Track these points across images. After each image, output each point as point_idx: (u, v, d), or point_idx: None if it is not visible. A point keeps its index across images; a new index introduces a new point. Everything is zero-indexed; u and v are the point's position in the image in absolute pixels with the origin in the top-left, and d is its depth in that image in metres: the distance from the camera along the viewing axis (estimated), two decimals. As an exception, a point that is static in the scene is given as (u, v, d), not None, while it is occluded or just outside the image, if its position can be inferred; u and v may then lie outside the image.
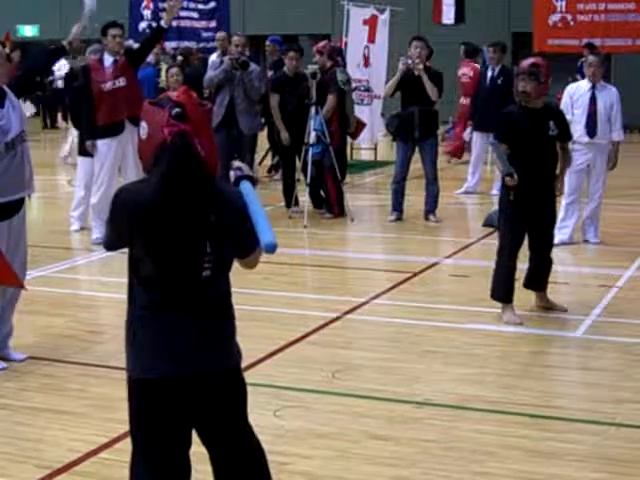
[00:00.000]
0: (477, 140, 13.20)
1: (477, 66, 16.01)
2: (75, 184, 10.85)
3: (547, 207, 6.94)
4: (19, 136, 5.65)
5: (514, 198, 6.66)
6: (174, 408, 3.25)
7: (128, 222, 3.14)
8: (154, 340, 3.21)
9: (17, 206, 5.76)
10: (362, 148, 16.05)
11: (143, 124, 3.15)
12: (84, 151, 9.89)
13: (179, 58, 13.56)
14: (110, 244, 3.34)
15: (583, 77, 12.51)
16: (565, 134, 7.01)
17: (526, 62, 6.81)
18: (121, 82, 9.44)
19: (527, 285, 7.18)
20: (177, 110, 3.08)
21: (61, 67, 24.31)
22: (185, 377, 3.22)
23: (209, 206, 3.13)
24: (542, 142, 6.78)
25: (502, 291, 6.89)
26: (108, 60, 9.50)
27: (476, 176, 13.20)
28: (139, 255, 3.18)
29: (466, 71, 15.79)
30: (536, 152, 6.74)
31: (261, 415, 4.91)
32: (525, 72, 6.69)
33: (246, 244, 3.26)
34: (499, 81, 12.98)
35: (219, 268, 3.22)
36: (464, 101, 15.61)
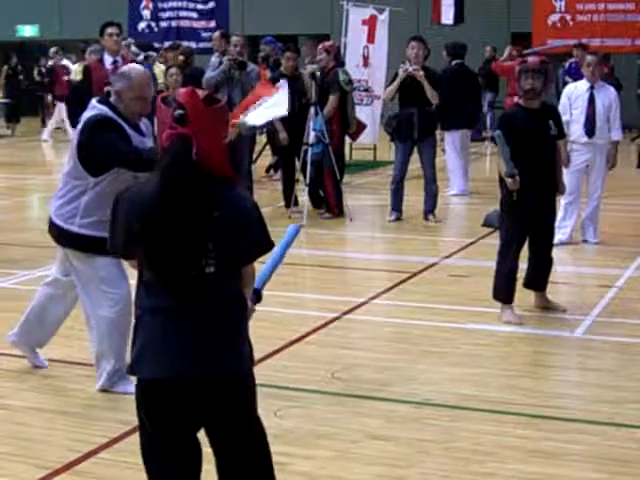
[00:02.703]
0: (449, 140, 13.09)
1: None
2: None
3: (548, 207, 6.97)
4: None
5: (517, 198, 6.63)
6: (173, 409, 3.22)
7: (127, 222, 3.13)
8: (154, 341, 3.18)
9: None
10: (362, 148, 16.06)
11: (156, 120, 3.23)
12: None
13: (180, 58, 13.55)
14: (114, 247, 3.29)
15: (572, 79, 12.54)
16: (561, 132, 7.07)
17: (534, 59, 6.83)
18: None
19: (527, 285, 7.17)
20: (178, 112, 3.06)
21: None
22: (186, 379, 3.18)
23: (210, 205, 3.09)
24: (545, 142, 6.81)
25: (505, 292, 6.86)
26: (108, 60, 9.50)
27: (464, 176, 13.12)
28: (141, 258, 3.17)
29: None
30: (539, 153, 6.75)
31: (261, 415, 4.91)
32: (535, 69, 6.66)
33: (251, 248, 3.22)
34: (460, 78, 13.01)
35: (223, 268, 3.15)
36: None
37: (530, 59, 6.86)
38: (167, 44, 13.53)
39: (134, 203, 3.13)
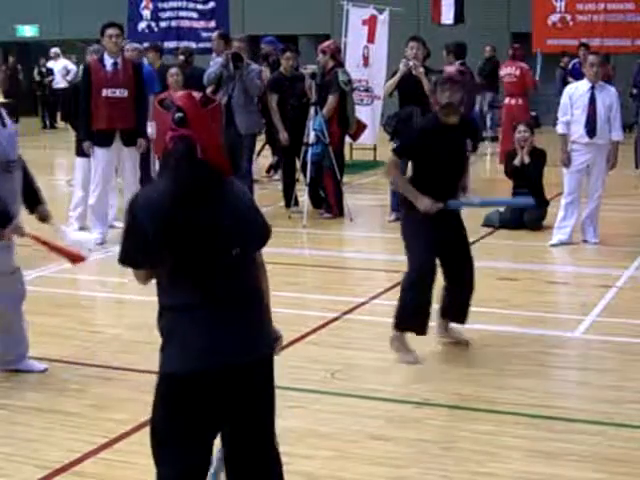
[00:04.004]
0: None
1: (524, 65, 16.07)
2: (73, 184, 10.84)
3: (458, 230, 6.24)
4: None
5: (423, 223, 5.90)
6: (213, 401, 3.27)
7: (145, 229, 3.16)
8: (196, 335, 3.23)
9: None
10: (362, 148, 16.05)
11: (153, 124, 3.24)
12: (81, 152, 9.90)
13: (180, 58, 13.57)
14: (131, 257, 3.26)
15: (575, 79, 12.51)
16: (475, 148, 6.38)
17: (450, 70, 6.14)
18: (124, 93, 9.44)
19: (444, 316, 6.33)
20: (178, 115, 3.16)
21: (62, 69, 24.37)
22: (233, 367, 3.26)
23: (220, 197, 3.23)
24: (458, 163, 6.11)
25: (413, 322, 5.99)
26: (108, 61, 9.50)
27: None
28: (166, 259, 3.20)
29: (511, 70, 15.83)
30: (450, 174, 6.05)
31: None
32: (453, 81, 5.92)
33: (260, 233, 3.37)
34: None
35: (243, 254, 3.28)
36: (511, 101, 15.66)
37: (447, 69, 6.19)
38: (146, 44, 13.54)
39: (151, 208, 3.18)
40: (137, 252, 3.24)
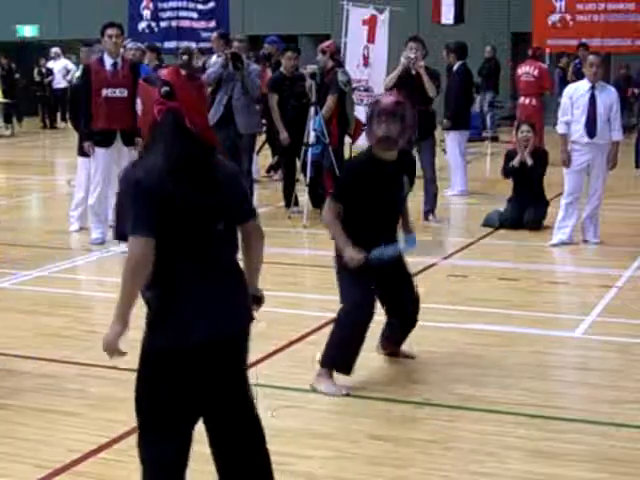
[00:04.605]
0: (455, 140, 13.02)
1: (543, 65, 15.98)
2: (74, 184, 10.84)
3: (398, 269, 5.76)
4: None
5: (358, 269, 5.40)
6: (205, 374, 3.37)
7: (155, 193, 3.22)
8: (195, 307, 3.31)
9: None
10: (362, 148, 16.03)
11: (138, 101, 3.38)
12: (83, 152, 9.91)
13: (184, 57, 13.58)
14: (145, 222, 3.22)
15: (577, 78, 12.50)
16: (411, 185, 5.71)
17: (387, 100, 5.50)
18: (124, 93, 9.44)
19: (383, 346, 6.06)
20: (165, 89, 3.26)
21: (62, 69, 24.37)
22: (235, 336, 3.43)
23: (212, 169, 3.34)
24: (394, 203, 5.63)
25: (344, 364, 5.53)
26: (108, 62, 9.50)
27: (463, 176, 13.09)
28: (165, 231, 3.26)
29: (529, 70, 15.76)
30: (387, 214, 5.61)
31: (261, 415, 4.91)
32: (388, 112, 5.35)
33: (250, 203, 3.53)
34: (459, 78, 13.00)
35: (231, 225, 3.43)
36: (525, 101, 15.59)
37: (384, 100, 5.53)
38: (146, 44, 13.56)
39: (149, 183, 3.22)
40: (150, 217, 3.22)
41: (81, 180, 10.31)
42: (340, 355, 5.50)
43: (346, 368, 5.50)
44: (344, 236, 5.41)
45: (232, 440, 3.53)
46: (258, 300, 3.63)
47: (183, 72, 3.34)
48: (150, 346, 3.34)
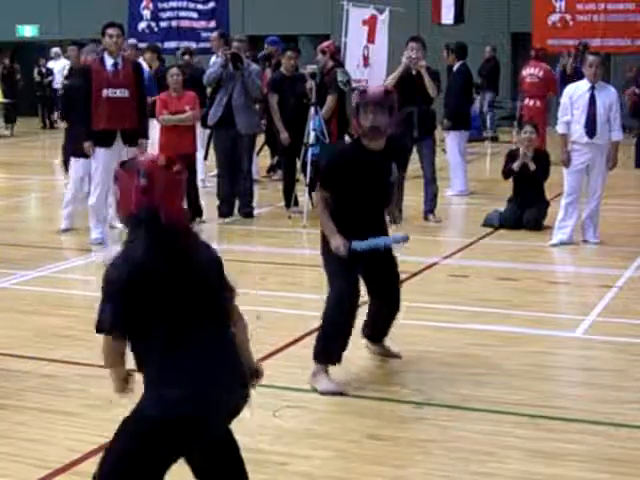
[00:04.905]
0: (455, 140, 13.01)
1: (547, 66, 15.93)
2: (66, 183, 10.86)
3: (383, 257, 5.68)
4: None
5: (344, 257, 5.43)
6: (192, 444, 3.37)
7: (127, 294, 3.31)
8: (195, 377, 3.32)
9: None
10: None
11: (116, 188, 3.43)
12: (77, 152, 9.92)
13: (185, 58, 13.58)
14: (116, 319, 3.39)
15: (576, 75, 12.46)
16: (404, 169, 5.75)
17: (374, 90, 5.52)
18: (125, 93, 9.44)
19: (366, 335, 6.01)
20: (143, 184, 3.32)
21: (62, 69, 24.36)
22: (238, 406, 3.42)
23: (191, 254, 3.40)
24: (381, 191, 5.57)
25: (334, 353, 5.54)
26: (109, 61, 9.49)
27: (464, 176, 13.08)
28: (149, 319, 3.32)
29: (534, 71, 15.72)
30: (373, 204, 5.59)
31: (261, 415, 4.91)
32: (376, 102, 5.35)
33: (229, 288, 3.50)
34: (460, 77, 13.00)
35: (217, 307, 3.45)
36: (530, 103, 15.56)
37: (371, 90, 5.53)
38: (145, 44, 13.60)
39: (132, 275, 3.31)
40: (116, 315, 3.38)
41: (72, 180, 10.31)
42: (331, 345, 5.52)
43: (338, 357, 5.53)
44: (331, 224, 5.44)
45: (214, 463, 3.57)
46: (256, 374, 3.59)
47: (161, 161, 3.40)
48: (144, 410, 3.35)
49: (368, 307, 5.86)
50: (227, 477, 3.56)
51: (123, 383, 3.57)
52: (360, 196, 5.46)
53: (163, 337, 3.33)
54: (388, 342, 6.07)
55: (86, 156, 9.74)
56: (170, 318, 3.32)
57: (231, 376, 3.38)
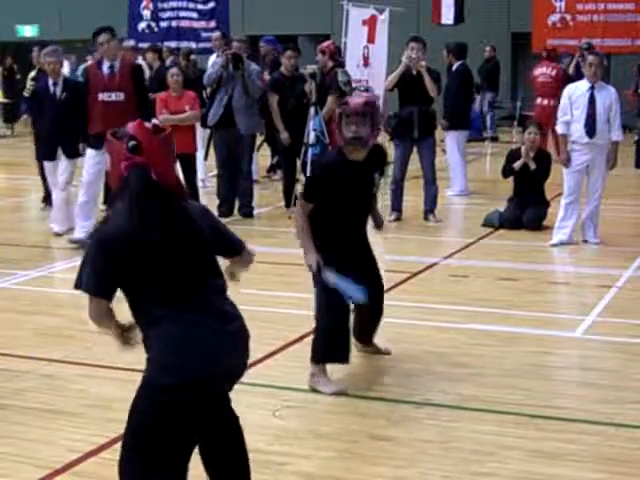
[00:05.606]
0: (454, 140, 12.98)
1: (559, 65, 15.90)
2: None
3: (364, 259, 5.80)
4: None
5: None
6: (208, 408, 3.39)
7: (116, 257, 3.30)
8: (195, 341, 3.32)
9: None
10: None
11: (107, 156, 3.46)
12: (47, 155, 9.91)
13: (185, 60, 13.60)
14: (98, 285, 3.37)
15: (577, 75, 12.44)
16: (382, 174, 5.73)
17: (356, 101, 5.48)
18: (120, 97, 9.38)
19: (356, 337, 5.96)
20: (132, 143, 3.33)
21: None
22: (238, 366, 3.48)
23: (184, 218, 3.40)
24: (363, 202, 5.65)
25: (336, 349, 5.55)
26: (105, 64, 9.46)
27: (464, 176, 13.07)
28: (141, 284, 3.34)
29: (546, 70, 15.68)
30: (355, 214, 5.65)
31: (261, 415, 4.92)
32: (358, 113, 5.36)
33: (233, 241, 3.60)
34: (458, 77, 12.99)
35: (215, 267, 3.49)
36: (543, 102, 15.53)
37: (352, 101, 5.51)
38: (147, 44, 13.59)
39: (116, 241, 3.30)
40: (103, 279, 3.35)
41: (54, 182, 10.26)
42: (329, 345, 5.50)
43: (342, 356, 5.52)
44: (308, 240, 5.50)
45: (220, 447, 3.61)
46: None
47: (148, 125, 3.43)
48: (151, 382, 3.35)
49: (355, 310, 5.80)
50: (230, 456, 3.60)
51: (124, 336, 3.59)
52: (343, 208, 5.50)
53: (158, 299, 3.34)
54: (376, 339, 6.07)
55: (54, 158, 9.72)
56: (165, 280, 3.33)
57: (231, 338, 3.39)
